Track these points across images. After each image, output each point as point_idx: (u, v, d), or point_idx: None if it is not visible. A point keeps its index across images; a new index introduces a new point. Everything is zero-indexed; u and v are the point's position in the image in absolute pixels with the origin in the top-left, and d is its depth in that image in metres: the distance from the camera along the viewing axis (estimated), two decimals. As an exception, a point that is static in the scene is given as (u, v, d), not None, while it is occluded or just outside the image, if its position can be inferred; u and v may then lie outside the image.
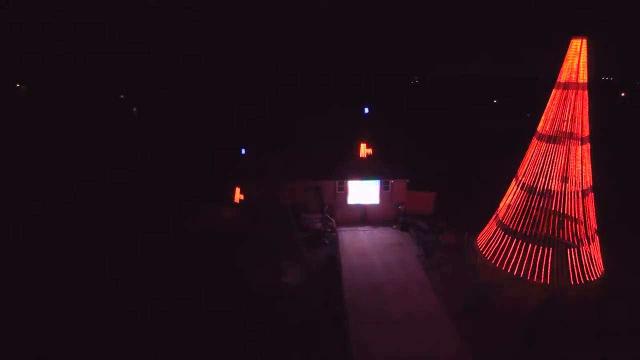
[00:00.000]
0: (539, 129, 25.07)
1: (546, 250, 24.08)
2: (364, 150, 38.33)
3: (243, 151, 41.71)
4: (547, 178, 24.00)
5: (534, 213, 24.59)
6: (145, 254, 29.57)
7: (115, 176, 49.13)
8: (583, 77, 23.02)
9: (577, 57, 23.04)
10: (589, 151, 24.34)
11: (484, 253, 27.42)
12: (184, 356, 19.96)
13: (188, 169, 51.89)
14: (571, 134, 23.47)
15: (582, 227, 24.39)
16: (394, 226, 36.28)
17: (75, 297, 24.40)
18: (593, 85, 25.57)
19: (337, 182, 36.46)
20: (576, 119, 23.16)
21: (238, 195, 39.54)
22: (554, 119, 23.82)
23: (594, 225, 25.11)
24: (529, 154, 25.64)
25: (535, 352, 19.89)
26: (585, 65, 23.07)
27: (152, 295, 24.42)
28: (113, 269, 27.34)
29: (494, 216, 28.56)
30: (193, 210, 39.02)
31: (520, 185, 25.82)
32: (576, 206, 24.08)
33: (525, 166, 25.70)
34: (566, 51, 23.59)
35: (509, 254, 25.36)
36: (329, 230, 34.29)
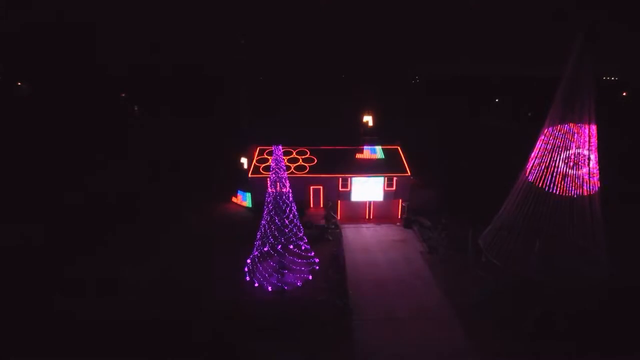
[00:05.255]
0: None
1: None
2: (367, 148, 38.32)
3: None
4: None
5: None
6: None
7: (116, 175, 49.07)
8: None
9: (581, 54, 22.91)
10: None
11: (488, 250, 27.31)
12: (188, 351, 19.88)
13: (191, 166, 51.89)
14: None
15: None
16: (398, 223, 36.17)
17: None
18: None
19: (340, 179, 36.34)
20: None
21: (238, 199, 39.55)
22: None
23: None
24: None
25: (540, 350, 19.76)
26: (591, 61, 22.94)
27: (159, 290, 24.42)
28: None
29: (498, 214, 28.42)
30: (201, 206, 38.99)
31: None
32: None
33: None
34: (569, 49, 23.50)
35: (513, 252, 25.27)
36: (333, 226, 34.15)
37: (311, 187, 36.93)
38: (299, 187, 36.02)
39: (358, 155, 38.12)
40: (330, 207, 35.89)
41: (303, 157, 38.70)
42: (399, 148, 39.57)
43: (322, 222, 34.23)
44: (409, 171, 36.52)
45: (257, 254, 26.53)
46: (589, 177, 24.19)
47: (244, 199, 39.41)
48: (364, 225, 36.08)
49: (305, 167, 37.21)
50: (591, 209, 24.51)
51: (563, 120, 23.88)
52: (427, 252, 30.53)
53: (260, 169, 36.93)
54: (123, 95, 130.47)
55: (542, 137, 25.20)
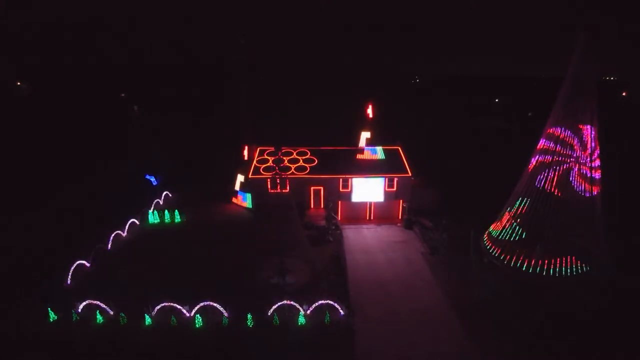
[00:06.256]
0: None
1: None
2: (368, 149, 38.29)
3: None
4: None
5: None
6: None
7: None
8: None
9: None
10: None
11: (490, 251, 27.30)
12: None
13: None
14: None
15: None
16: (398, 224, 36.14)
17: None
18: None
19: (341, 180, 36.29)
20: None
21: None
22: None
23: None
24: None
25: (541, 351, 19.74)
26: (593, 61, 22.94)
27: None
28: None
29: (500, 214, 28.40)
30: (201, 206, 38.87)
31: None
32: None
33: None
34: (570, 49, 23.54)
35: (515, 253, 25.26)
36: (333, 227, 34.08)
37: (312, 188, 36.89)
38: (300, 187, 35.97)
39: (359, 156, 38.07)
40: (331, 207, 35.81)
41: (303, 157, 38.64)
42: (399, 149, 39.53)
43: (323, 223, 34.17)
44: (409, 172, 36.48)
45: (256, 256, 26.49)
46: (590, 177, 24.18)
47: (244, 200, 39.35)
48: (364, 226, 36.04)
49: (305, 168, 37.16)
50: (592, 209, 24.50)
51: (565, 121, 23.88)
52: (428, 253, 30.48)
53: (261, 170, 36.87)
54: (123, 95, 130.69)
55: (544, 138, 25.18)
